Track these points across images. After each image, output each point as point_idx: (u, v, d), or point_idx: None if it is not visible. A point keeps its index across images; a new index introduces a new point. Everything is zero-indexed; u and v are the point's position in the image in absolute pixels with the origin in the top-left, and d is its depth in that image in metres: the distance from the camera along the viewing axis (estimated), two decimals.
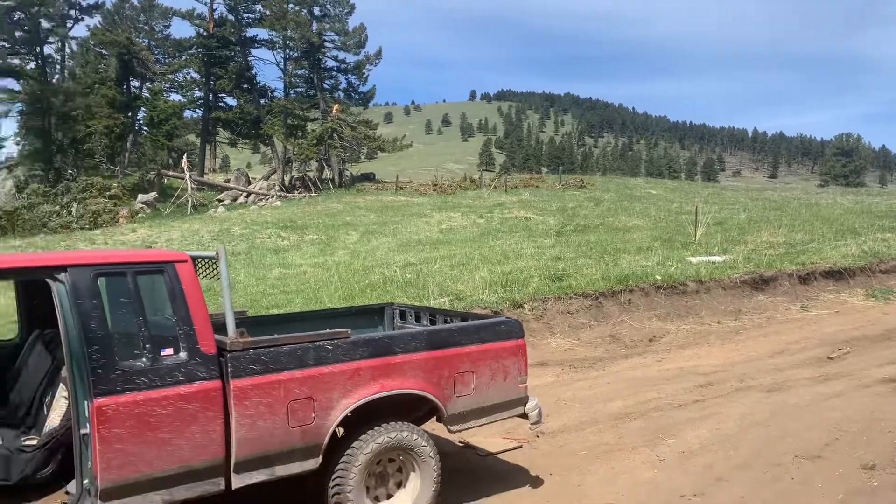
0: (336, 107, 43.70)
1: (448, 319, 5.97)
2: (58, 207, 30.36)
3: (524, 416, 5.46)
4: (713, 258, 14.63)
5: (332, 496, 4.59)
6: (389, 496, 4.87)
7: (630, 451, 6.36)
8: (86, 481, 3.88)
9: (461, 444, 6.61)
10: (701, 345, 10.51)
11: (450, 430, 5.15)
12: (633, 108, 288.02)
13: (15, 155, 42.04)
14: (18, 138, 41.73)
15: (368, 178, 46.58)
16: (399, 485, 4.90)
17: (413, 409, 5.08)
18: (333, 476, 4.59)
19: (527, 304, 11.19)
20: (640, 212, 25.24)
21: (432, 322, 6.11)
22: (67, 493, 4.03)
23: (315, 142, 41.70)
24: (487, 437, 6.70)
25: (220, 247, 4.42)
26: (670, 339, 10.88)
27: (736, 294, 12.71)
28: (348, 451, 4.61)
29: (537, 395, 5.86)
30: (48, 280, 3.97)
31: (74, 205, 30.55)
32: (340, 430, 4.65)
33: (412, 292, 12.06)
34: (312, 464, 4.51)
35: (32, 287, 5.35)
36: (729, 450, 6.22)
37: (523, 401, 5.43)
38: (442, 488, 4.98)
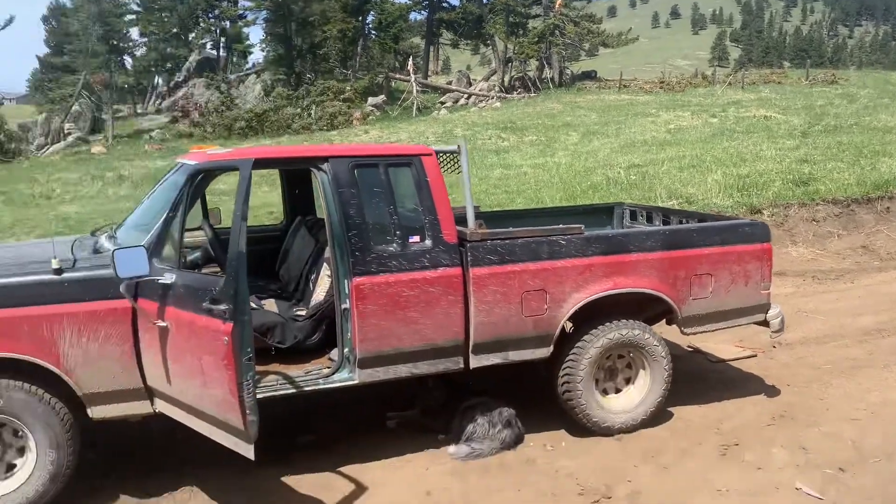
0: (559, 1, 42.31)
1: (684, 221, 5.75)
2: (299, 110, 32.88)
3: (764, 323, 5.19)
4: None
5: (562, 385, 4.74)
6: (618, 391, 4.94)
7: (881, 369, 5.85)
8: (346, 350, 4.34)
9: (690, 349, 6.48)
10: None
11: (683, 333, 5.05)
12: None
13: (262, 60, 46.00)
14: (264, 44, 45.52)
15: (589, 76, 45.08)
16: (628, 381, 4.95)
17: (645, 308, 5.03)
18: (563, 366, 4.73)
19: (766, 210, 10.43)
20: None
21: (665, 223, 5.92)
22: (330, 359, 4.54)
23: (536, 39, 40.91)
24: (718, 343, 6.49)
25: (462, 141, 4.57)
26: None
27: None
28: (579, 344, 4.71)
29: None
30: (313, 170, 4.37)
31: (313, 107, 32.89)
32: (570, 326, 4.74)
33: (637, 194, 11.72)
34: (544, 352, 4.67)
35: (295, 178, 5.94)
36: None
37: (765, 307, 5.16)
38: (671, 389, 4.95)
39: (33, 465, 3.90)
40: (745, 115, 23.06)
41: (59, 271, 3.86)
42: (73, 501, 4.02)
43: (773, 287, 5.32)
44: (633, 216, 6.43)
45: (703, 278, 4.93)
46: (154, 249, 3.87)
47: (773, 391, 5.51)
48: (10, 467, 3.95)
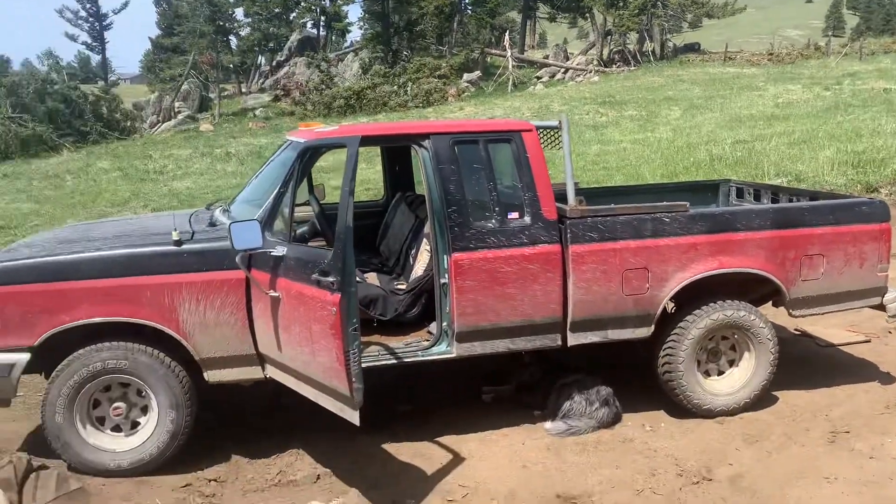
0: None
1: (794, 199, 5.51)
2: (395, 88, 33.24)
3: (880, 307, 4.94)
4: None
5: (662, 365, 4.68)
6: (720, 373, 4.82)
7: None
8: (444, 324, 4.43)
9: (798, 333, 6.23)
10: None
11: (791, 315, 4.87)
12: None
13: (360, 38, 46.62)
14: (362, 22, 46.07)
15: (692, 48, 43.37)
16: (731, 363, 4.82)
17: (752, 289, 4.87)
18: (664, 347, 4.65)
19: (883, 188, 9.86)
20: None
21: (774, 201, 5.69)
22: (429, 332, 4.64)
23: (637, 11, 39.62)
24: (829, 327, 6.21)
25: (564, 116, 4.52)
26: None
27: None
28: (681, 324, 4.62)
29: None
30: (414, 146, 4.45)
31: (409, 85, 33.20)
32: (672, 305, 4.65)
33: (743, 171, 11.29)
34: (644, 332, 4.61)
35: (395, 155, 6.06)
36: None
37: (881, 291, 4.90)
38: (776, 373, 4.80)
39: (155, 424, 4.20)
40: (861, 87, 21.70)
41: (179, 243, 4.11)
42: (190, 459, 4.30)
43: (892, 270, 5.05)
44: (740, 194, 6.20)
45: (815, 259, 4.72)
46: (266, 223, 4.05)
47: (887, 378, 5.24)
48: (135, 425, 4.26)
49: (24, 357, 4.04)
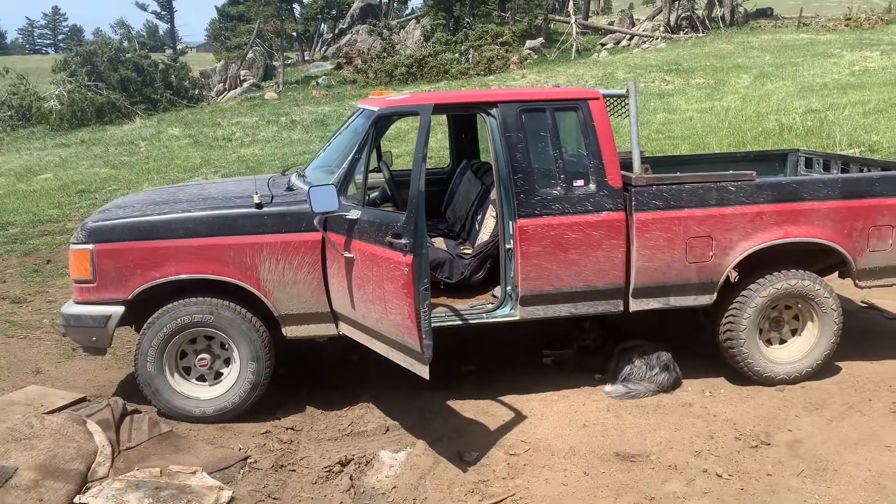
0: None
1: (865, 169, 5.43)
2: (457, 55, 33.11)
3: None
4: None
5: (724, 332, 4.73)
6: (783, 341, 4.85)
7: None
8: (508, 288, 4.58)
9: (864, 305, 6.17)
10: None
11: (857, 286, 4.85)
12: None
13: (421, 5, 46.48)
14: None
15: (765, 14, 41.79)
16: (794, 332, 4.84)
17: (817, 259, 4.86)
18: (727, 314, 4.71)
19: None
20: None
21: (844, 171, 5.61)
22: (493, 296, 4.80)
23: None
24: None
25: (631, 83, 4.57)
26: None
27: None
28: (744, 292, 4.66)
29: None
30: (482, 114, 4.56)
31: (471, 52, 33.01)
32: (734, 274, 4.69)
33: (814, 142, 11.01)
34: (707, 299, 4.67)
35: (461, 123, 6.18)
36: None
37: None
38: (839, 343, 4.80)
39: (237, 375, 4.49)
40: None
41: (259, 206, 4.36)
42: (268, 409, 4.59)
43: None
44: (809, 164, 6.13)
45: (883, 230, 4.68)
46: (342, 188, 4.26)
47: None
48: (218, 375, 4.57)
49: (119, 310, 4.38)
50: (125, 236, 4.33)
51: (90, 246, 4.33)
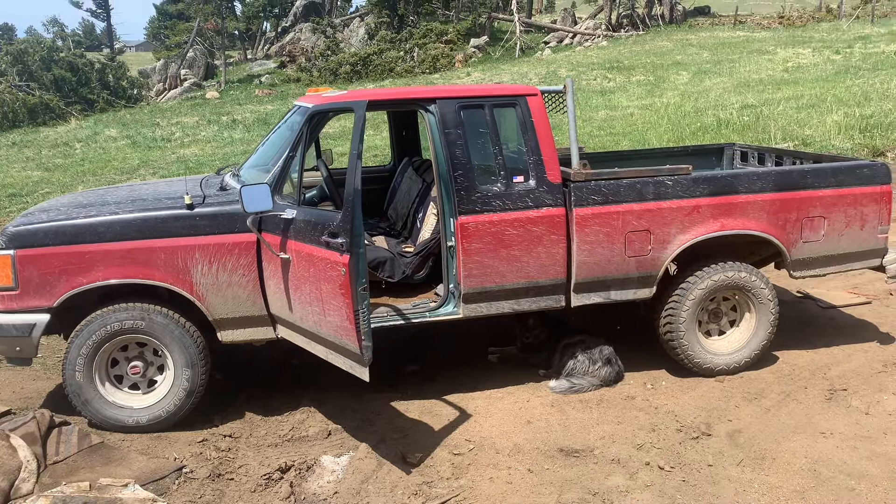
0: None
1: (798, 162, 5.55)
2: (402, 53, 32.99)
3: (881, 269, 5.01)
4: None
5: (664, 325, 4.78)
6: (721, 333, 4.92)
7: None
8: (451, 285, 4.53)
9: (799, 295, 6.32)
10: None
11: (792, 276, 4.95)
12: None
13: (365, 3, 46.16)
14: None
15: (703, 12, 42.76)
16: (732, 323, 4.92)
17: (753, 251, 4.95)
18: (666, 307, 4.75)
19: (889, 153, 9.87)
20: None
21: (778, 164, 5.73)
22: (436, 294, 4.75)
23: None
24: (830, 290, 6.30)
25: (569, 80, 4.57)
26: None
27: None
28: (682, 285, 4.71)
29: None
30: (420, 111, 4.50)
31: (416, 50, 32.93)
32: (673, 267, 4.74)
33: (750, 136, 11.28)
34: (646, 293, 4.71)
35: (402, 120, 6.11)
36: None
37: (881, 252, 4.97)
38: (776, 333, 4.90)
39: (171, 382, 4.34)
40: (873, 50, 21.47)
41: (191, 206, 4.21)
42: (205, 416, 4.45)
43: (892, 233, 5.11)
44: (745, 157, 6.25)
45: (816, 221, 4.79)
46: (276, 186, 4.14)
47: (887, 339, 5.34)
48: (152, 383, 4.41)
49: (45, 318, 4.17)
50: (49, 241, 4.13)
51: (11, 251, 4.12)
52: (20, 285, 4.14)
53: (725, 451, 3.99)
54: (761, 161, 5.99)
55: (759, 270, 4.88)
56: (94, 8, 54.83)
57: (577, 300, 4.64)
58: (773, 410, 4.41)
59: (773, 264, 5.17)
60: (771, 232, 4.73)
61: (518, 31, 35.56)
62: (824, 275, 5.05)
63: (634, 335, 5.23)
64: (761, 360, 4.93)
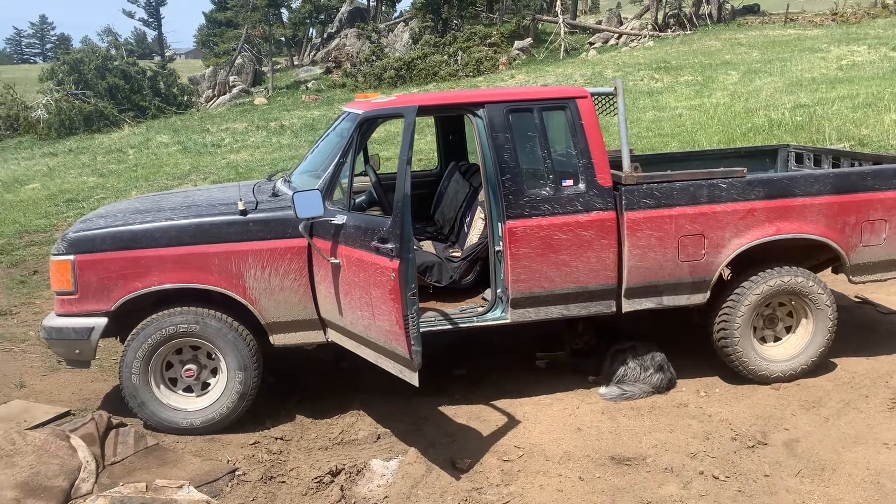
0: None
1: (856, 163, 5.39)
2: (445, 57, 33.07)
3: None
4: None
5: (718, 331, 4.68)
6: (777, 339, 4.80)
7: None
8: (499, 290, 4.51)
9: (858, 300, 6.13)
10: None
11: (851, 281, 4.80)
12: None
13: (409, 7, 46.42)
14: None
15: (752, 10, 41.90)
16: (789, 329, 4.79)
17: (810, 255, 4.82)
18: (720, 312, 4.65)
19: None
20: None
21: (835, 166, 5.57)
22: (484, 298, 4.73)
23: None
24: (890, 294, 6.10)
25: (618, 81, 4.51)
26: None
27: None
28: (737, 290, 4.60)
29: None
30: (468, 115, 4.50)
31: (460, 53, 32.97)
32: (727, 272, 4.63)
33: (803, 137, 10.98)
34: (700, 298, 4.61)
35: (449, 125, 6.11)
36: None
37: None
38: (834, 340, 4.76)
39: (224, 385, 4.41)
40: None
41: (244, 212, 4.28)
42: (257, 419, 4.51)
43: None
44: (799, 159, 6.09)
45: (877, 224, 4.64)
46: (327, 192, 4.18)
47: None
48: (205, 386, 4.49)
49: (103, 321, 4.28)
50: (107, 246, 4.24)
51: (71, 257, 4.25)
52: (79, 290, 4.25)
53: (783, 461, 3.88)
54: (817, 163, 5.83)
55: (817, 275, 4.74)
56: (145, 17, 56.36)
57: (628, 305, 4.58)
58: (833, 419, 4.28)
59: (830, 269, 5.02)
60: (829, 236, 4.60)
61: (563, 33, 35.33)
62: (885, 280, 4.89)
63: (687, 341, 5.13)
64: (819, 367, 4.79)
